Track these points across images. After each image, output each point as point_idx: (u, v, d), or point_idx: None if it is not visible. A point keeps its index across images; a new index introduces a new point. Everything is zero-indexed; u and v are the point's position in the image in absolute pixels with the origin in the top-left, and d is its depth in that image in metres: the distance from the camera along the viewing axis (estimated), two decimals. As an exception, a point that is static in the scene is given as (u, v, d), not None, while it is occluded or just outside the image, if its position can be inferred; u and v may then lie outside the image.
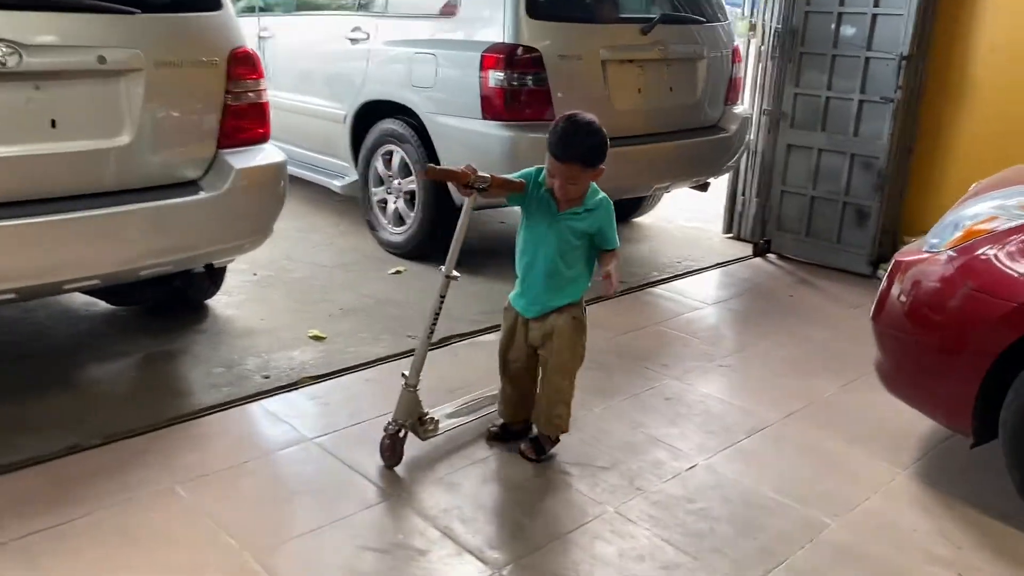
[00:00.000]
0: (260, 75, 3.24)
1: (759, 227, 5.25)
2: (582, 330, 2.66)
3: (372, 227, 4.98)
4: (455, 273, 2.58)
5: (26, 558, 2.16)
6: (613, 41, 4.37)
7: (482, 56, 4.12)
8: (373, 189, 4.93)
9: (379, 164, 4.83)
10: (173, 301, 3.79)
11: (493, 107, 4.15)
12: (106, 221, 2.78)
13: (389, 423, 2.64)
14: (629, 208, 5.59)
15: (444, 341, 3.62)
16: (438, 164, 4.39)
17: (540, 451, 2.73)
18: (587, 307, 2.70)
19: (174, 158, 3.04)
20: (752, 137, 5.16)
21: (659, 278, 4.67)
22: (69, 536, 2.25)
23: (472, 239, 5.22)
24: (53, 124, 2.71)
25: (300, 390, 3.16)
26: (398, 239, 4.81)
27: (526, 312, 2.66)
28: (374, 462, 2.65)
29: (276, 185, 3.32)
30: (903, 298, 2.68)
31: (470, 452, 2.77)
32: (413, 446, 2.70)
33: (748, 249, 5.24)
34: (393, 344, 3.59)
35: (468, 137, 4.26)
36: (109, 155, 2.84)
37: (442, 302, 2.61)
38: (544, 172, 2.54)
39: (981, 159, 4.50)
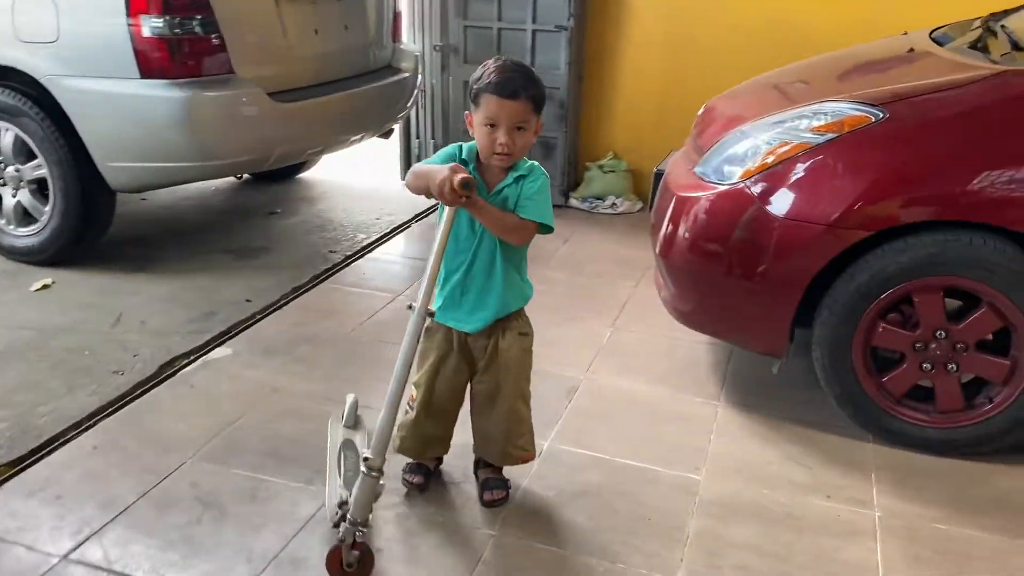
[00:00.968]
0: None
1: (445, 170, 5.00)
2: (531, 344, 2.19)
3: (-17, 231, 3.77)
4: (431, 308, 1.96)
5: None
6: (281, -28, 3.71)
7: (127, -2, 3.21)
8: (-28, 181, 3.72)
9: (-26, 148, 3.63)
10: None
11: (153, 62, 3.28)
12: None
13: (344, 530, 1.88)
14: (293, 164, 4.96)
15: (165, 370, 2.84)
16: (80, 143, 3.43)
17: (506, 486, 2.26)
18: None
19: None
20: (423, 76, 4.84)
21: (368, 241, 4.21)
22: None
23: (122, 229, 4.35)
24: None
25: (-5, 491, 2.23)
26: (30, 242, 3.71)
27: (462, 326, 2.10)
28: None
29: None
30: (702, 233, 2.63)
31: (407, 518, 2.19)
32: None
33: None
34: (100, 388, 2.72)
35: (123, 103, 3.34)
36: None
37: (417, 345, 2.00)
38: (467, 146, 2.03)
39: (646, 82, 4.73)
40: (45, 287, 3.51)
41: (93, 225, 3.70)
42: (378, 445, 1.90)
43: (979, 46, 2.68)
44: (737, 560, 2.07)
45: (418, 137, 5.07)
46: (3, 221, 3.74)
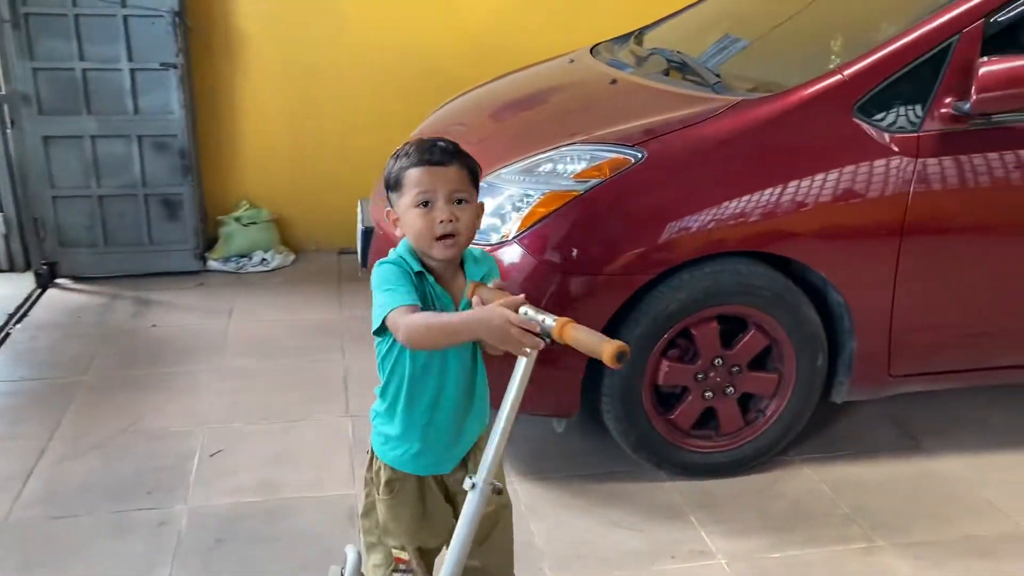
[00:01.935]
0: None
1: (35, 250, 3.93)
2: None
3: None
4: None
5: None
6: None
7: None
8: None
9: None
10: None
11: None
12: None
13: None
14: None
15: None
16: None
17: None
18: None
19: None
20: (-19, 134, 3.74)
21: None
22: None
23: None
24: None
25: None
26: None
27: (439, 469, 1.61)
28: None
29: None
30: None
31: None
32: None
33: (28, 282, 3.90)
34: None
35: None
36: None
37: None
38: (400, 252, 1.52)
39: (271, 119, 4.22)
40: None
41: None
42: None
43: (682, 72, 2.77)
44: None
45: (-11, 213, 3.93)
46: None
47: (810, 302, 2.44)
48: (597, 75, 3.06)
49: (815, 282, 2.46)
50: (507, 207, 2.38)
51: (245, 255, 4.15)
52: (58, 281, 3.94)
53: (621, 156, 2.32)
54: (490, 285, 1.47)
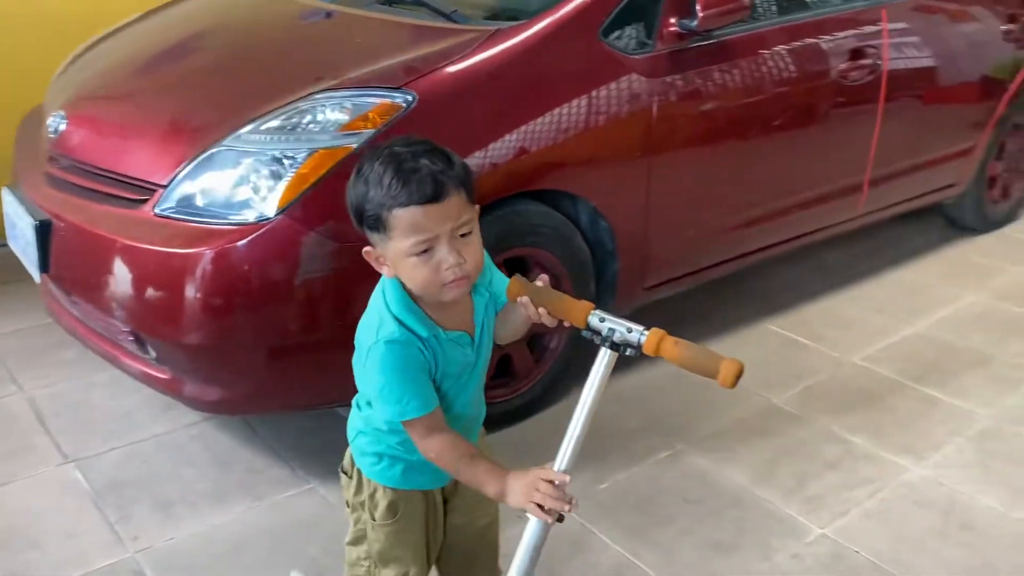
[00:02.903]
0: None
1: None
2: None
3: None
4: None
5: None
6: None
7: None
8: None
9: None
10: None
11: None
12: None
13: None
14: None
15: None
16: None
17: None
18: None
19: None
20: None
21: None
22: None
23: None
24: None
25: None
26: None
27: (440, 483, 1.42)
28: None
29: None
30: (257, 291, 1.95)
31: None
32: None
33: None
34: None
35: None
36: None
37: None
38: (393, 302, 1.25)
39: None
40: None
41: None
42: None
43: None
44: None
45: None
46: None
47: (579, 233, 2.44)
48: (286, 9, 2.67)
49: (576, 212, 2.46)
50: (260, 176, 1.98)
51: None
52: None
53: (389, 101, 2.05)
54: (537, 281, 1.31)
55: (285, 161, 1.98)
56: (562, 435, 1.28)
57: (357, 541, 1.46)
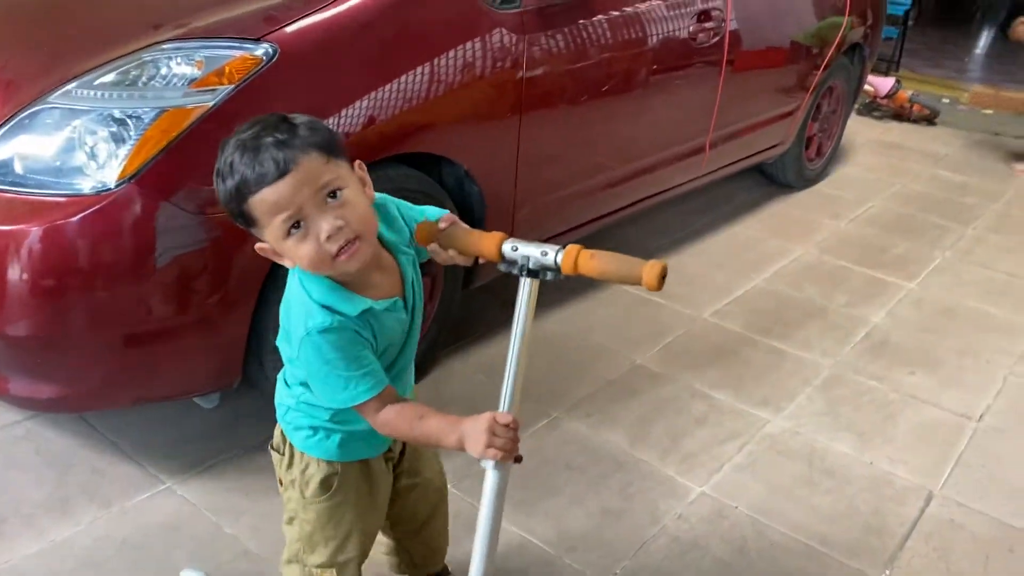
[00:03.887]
0: None
1: None
2: None
3: None
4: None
5: None
6: None
7: None
8: None
9: None
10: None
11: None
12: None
13: None
14: None
15: None
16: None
17: None
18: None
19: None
20: None
21: None
22: None
23: None
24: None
25: None
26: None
27: (380, 449, 1.39)
28: None
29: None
30: (93, 274, 1.70)
31: None
32: None
33: None
34: None
35: None
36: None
37: None
38: (313, 289, 1.17)
39: None
40: None
41: None
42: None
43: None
44: None
45: None
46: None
47: (449, 198, 2.33)
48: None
49: (445, 176, 2.34)
50: (96, 139, 1.71)
51: None
52: None
53: (247, 54, 1.82)
54: (440, 224, 1.27)
55: (129, 122, 1.71)
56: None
57: (291, 521, 1.40)
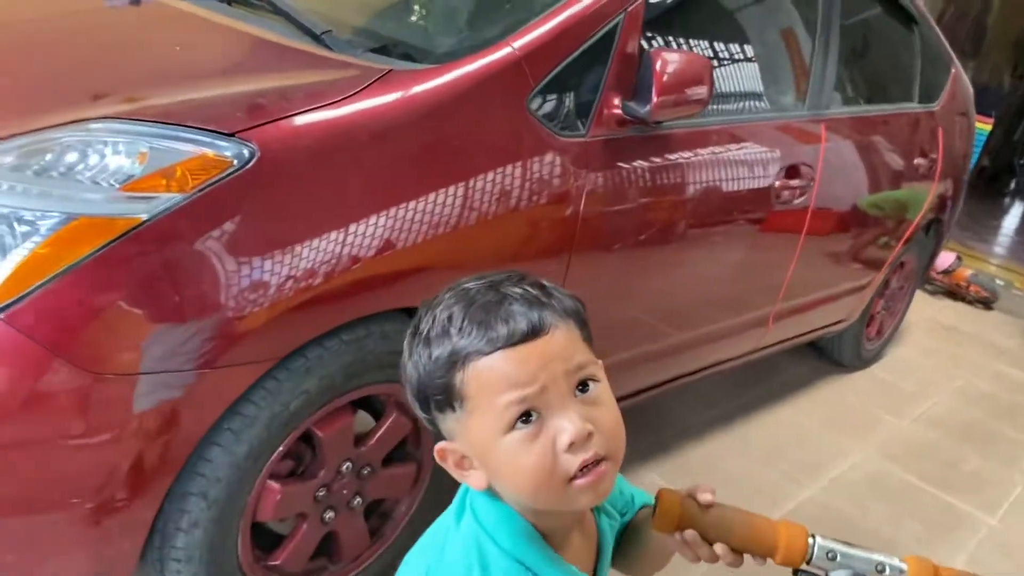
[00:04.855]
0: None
1: None
2: None
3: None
4: None
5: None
6: None
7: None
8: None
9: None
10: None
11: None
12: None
13: None
14: None
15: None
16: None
17: None
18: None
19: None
20: None
21: None
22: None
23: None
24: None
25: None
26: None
27: None
28: None
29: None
30: None
31: None
32: None
33: None
34: None
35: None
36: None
37: None
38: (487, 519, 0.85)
39: None
40: None
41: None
42: None
43: (252, 6, 1.74)
44: None
45: None
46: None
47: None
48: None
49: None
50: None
51: None
52: None
53: (211, 153, 1.29)
54: (700, 496, 0.89)
55: (16, 227, 1.17)
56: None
57: None
